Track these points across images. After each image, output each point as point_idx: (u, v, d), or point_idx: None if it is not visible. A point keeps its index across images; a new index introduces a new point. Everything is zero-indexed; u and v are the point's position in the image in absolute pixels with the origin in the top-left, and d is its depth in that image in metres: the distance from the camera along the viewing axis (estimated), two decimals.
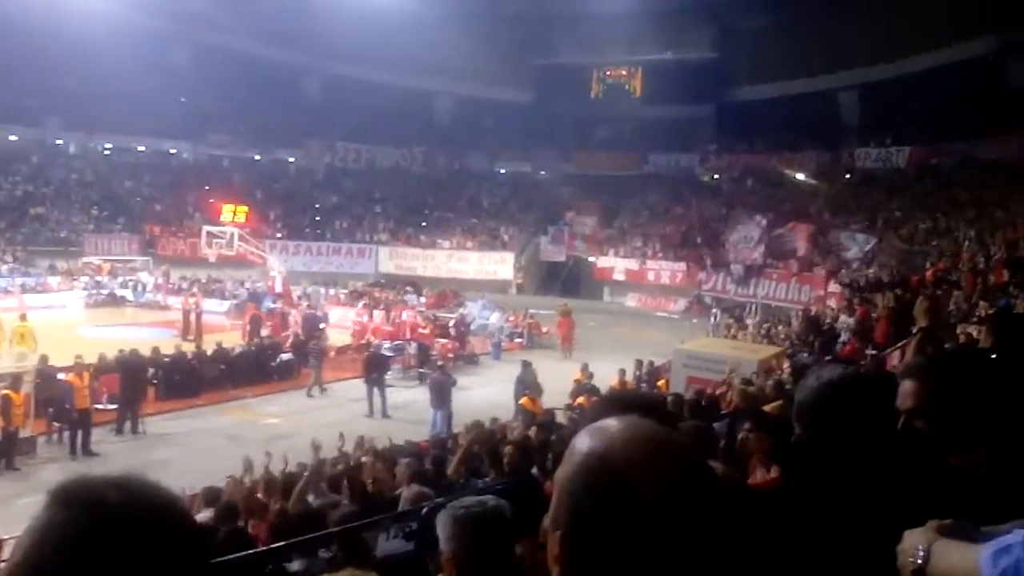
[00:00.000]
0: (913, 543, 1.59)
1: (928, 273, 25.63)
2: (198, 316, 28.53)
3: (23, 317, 23.37)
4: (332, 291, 35.58)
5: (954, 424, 2.31)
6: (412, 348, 25.70)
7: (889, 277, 27.14)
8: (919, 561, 1.57)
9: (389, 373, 24.21)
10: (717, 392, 13.94)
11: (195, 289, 32.51)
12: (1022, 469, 2.14)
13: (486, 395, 21.63)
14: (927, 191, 37.95)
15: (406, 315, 28.52)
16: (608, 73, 52.44)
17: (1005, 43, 36.91)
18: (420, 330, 27.86)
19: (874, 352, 17.36)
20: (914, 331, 4.22)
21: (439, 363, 22.41)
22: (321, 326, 27.50)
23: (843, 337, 21.07)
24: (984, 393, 2.32)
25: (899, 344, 15.81)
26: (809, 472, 2.24)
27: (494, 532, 2.91)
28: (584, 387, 18.77)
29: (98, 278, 35.69)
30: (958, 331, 14.03)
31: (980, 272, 22.28)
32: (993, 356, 3.66)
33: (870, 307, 22.36)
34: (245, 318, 28.14)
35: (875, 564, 1.85)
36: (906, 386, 2.45)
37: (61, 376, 17.70)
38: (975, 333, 12.55)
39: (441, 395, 19.29)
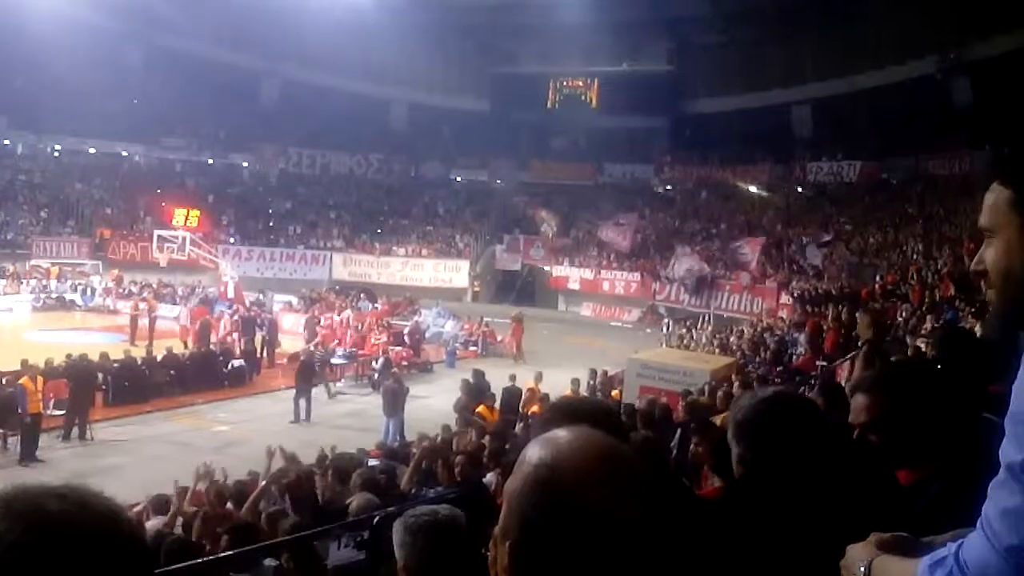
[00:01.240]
0: (854, 559, 1.61)
1: (877, 286, 26.04)
2: (152, 321, 28.15)
3: None
4: (287, 298, 35.17)
5: (906, 437, 2.35)
6: (379, 363, 25.16)
7: (838, 289, 27.51)
8: None
9: (341, 381, 24.15)
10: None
11: (146, 294, 32.16)
12: (974, 482, 2.17)
13: (440, 403, 21.54)
14: (877, 204, 38.60)
15: (375, 339, 28.07)
16: (565, 83, 52.65)
17: (951, 63, 37.72)
18: (375, 340, 27.70)
19: (824, 363, 17.60)
20: (860, 344, 4.29)
21: (392, 371, 22.30)
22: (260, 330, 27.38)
23: (798, 348, 21.32)
24: (935, 405, 2.37)
25: (848, 356, 16.07)
26: (750, 489, 2.27)
27: (447, 541, 2.91)
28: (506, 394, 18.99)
29: (46, 282, 35.08)
30: (908, 344, 14.24)
31: (928, 285, 22.67)
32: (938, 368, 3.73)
33: (821, 319, 22.65)
34: (193, 324, 27.78)
35: None
36: (858, 400, 2.49)
37: (7, 379, 17.42)
38: (923, 346, 12.75)
39: (394, 403, 19.20)
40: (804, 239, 36.51)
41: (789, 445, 2.22)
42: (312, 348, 25.14)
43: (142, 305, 29.02)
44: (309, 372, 21.40)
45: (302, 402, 20.62)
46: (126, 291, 34.45)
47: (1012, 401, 1.28)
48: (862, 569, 1.58)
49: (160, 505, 9.34)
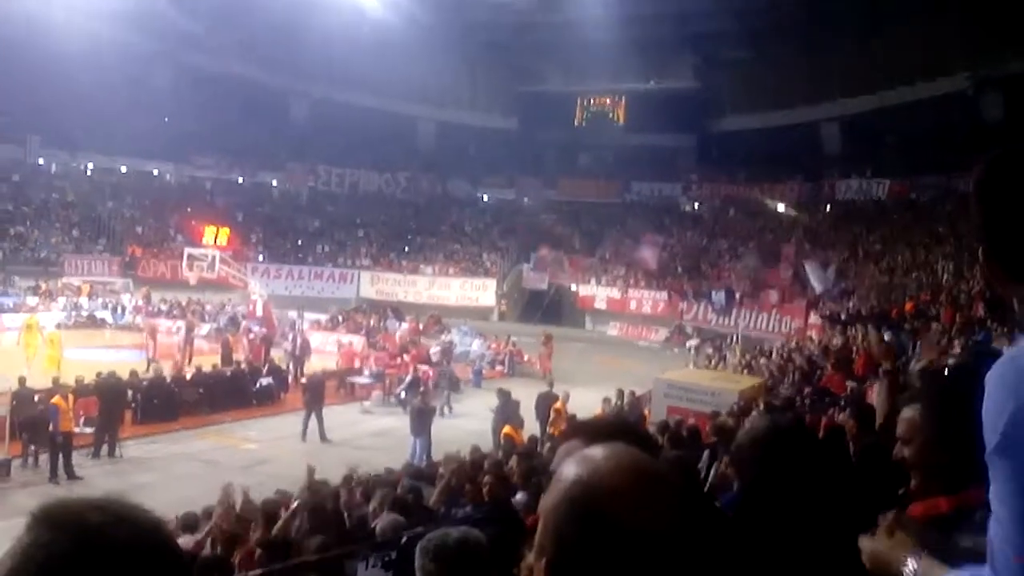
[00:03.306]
0: (896, 555, 1.60)
1: (907, 306, 25.81)
2: (190, 340, 28.24)
3: (58, 326, 25.57)
4: (314, 316, 35.23)
5: (950, 457, 2.29)
6: (406, 382, 25.01)
7: (868, 310, 27.29)
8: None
9: (369, 401, 24.17)
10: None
11: (175, 312, 32.53)
12: None
13: (467, 423, 21.56)
14: (906, 223, 38.28)
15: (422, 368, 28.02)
16: (592, 101, 52.81)
17: (981, 79, 37.45)
18: (403, 357, 27.81)
19: (854, 384, 17.44)
20: (880, 374, 4.22)
21: (420, 390, 22.30)
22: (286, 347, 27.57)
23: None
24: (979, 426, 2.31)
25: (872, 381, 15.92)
26: (749, 516, 2.26)
27: (459, 563, 2.92)
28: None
29: (77, 299, 35.42)
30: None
31: (959, 306, 22.43)
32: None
33: (851, 339, 22.47)
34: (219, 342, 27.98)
35: None
36: (904, 416, 2.46)
37: (39, 397, 17.60)
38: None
39: (421, 422, 19.20)
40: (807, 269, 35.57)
41: (784, 475, 2.21)
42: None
43: (166, 322, 29.25)
44: (318, 392, 21.40)
45: (312, 421, 20.55)
46: (155, 309, 34.74)
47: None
48: (912, 565, 1.56)
49: (189, 523, 9.37)
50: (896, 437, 2.48)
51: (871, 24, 40.16)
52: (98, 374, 19.29)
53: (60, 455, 16.15)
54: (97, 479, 16.03)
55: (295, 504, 9.06)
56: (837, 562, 1.93)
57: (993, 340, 15.99)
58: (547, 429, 19.32)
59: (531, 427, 19.17)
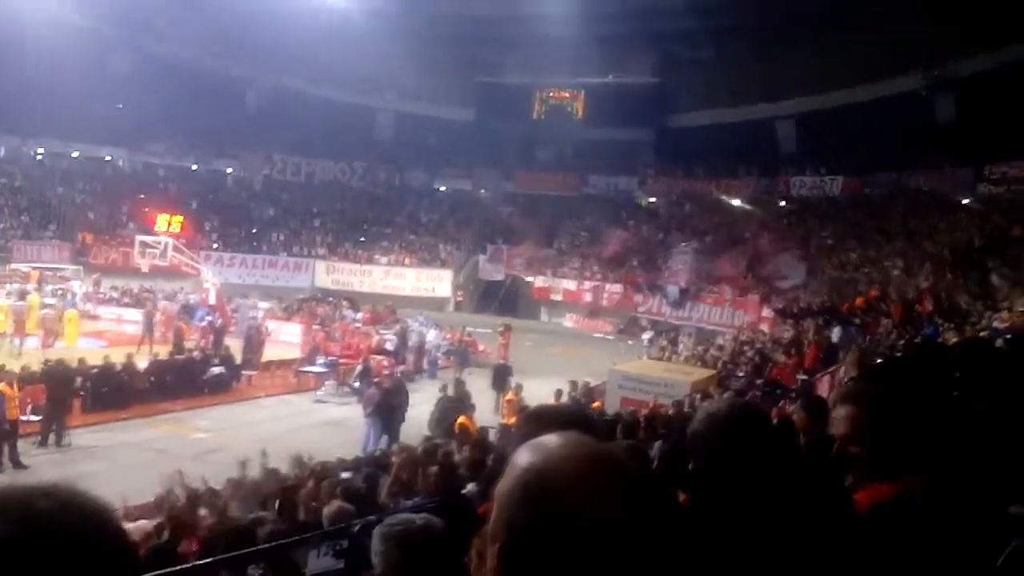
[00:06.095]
0: None
1: (858, 300, 26.19)
2: (150, 326, 27.91)
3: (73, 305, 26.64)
4: (268, 304, 34.95)
5: (887, 449, 2.34)
6: (358, 370, 24.83)
7: (820, 304, 27.64)
8: None
9: (321, 391, 23.97)
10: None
11: (127, 299, 32.11)
12: (957, 504, 2.17)
13: (421, 412, 21.48)
14: (859, 220, 38.76)
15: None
16: (551, 94, 52.82)
17: (936, 80, 38.05)
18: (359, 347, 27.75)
19: (805, 377, 17.69)
20: (845, 381, 4.30)
21: (375, 379, 22.19)
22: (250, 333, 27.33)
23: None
24: (916, 418, 2.37)
25: (829, 369, 16.18)
26: (706, 500, 2.28)
27: (420, 550, 2.91)
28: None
29: (26, 286, 34.76)
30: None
31: (908, 301, 22.80)
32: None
33: (802, 333, 22.77)
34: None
35: None
36: (839, 412, 2.50)
37: None
38: None
39: (378, 411, 19.11)
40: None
41: (741, 457, 2.23)
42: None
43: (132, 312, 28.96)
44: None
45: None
46: (106, 296, 34.27)
47: None
48: None
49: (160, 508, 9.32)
50: (837, 434, 2.52)
51: (828, 24, 40.60)
52: (46, 361, 19.00)
53: (5, 443, 15.89)
54: (44, 468, 15.77)
55: (226, 493, 9.01)
56: (791, 547, 1.95)
57: (940, 335, 16.28)
58: (501, 404, 20.59)
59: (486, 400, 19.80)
